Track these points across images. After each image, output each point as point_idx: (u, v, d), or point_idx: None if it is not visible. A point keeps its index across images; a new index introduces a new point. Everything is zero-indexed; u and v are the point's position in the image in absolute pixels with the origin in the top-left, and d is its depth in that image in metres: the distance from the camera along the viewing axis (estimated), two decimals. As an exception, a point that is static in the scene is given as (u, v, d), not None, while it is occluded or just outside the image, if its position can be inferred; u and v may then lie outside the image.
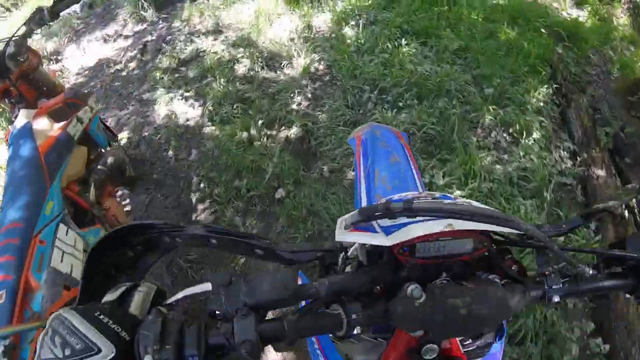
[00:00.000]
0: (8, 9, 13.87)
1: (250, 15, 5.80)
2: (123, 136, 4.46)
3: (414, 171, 1.52)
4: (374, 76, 4.34)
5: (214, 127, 4.23)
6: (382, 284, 0.76)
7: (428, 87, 4.10)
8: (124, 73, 5.70)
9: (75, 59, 7.17)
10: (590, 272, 0.72)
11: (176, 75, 5.08)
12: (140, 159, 4.12)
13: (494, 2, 6.04)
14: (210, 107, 4.42)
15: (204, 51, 5.41)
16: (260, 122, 4.10)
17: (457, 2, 5.64)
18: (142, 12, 7.34)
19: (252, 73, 4.82)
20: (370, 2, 5.68)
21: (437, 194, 0.84)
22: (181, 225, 0.76)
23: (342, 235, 0.78)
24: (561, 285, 0.74)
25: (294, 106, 4.33)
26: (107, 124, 4.47)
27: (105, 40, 7.30)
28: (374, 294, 0.76)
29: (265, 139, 3.99)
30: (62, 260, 1.94)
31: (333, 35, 5.29)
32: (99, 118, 3.04)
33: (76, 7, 9.27)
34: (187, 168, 3.97)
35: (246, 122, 4.07)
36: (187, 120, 4.45)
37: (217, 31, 5.91)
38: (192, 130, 4.32)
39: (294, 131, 4.02)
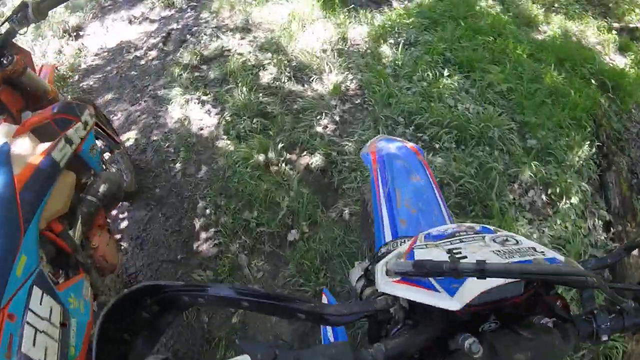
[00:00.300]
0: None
1: (283, 17, 5.24)
2: (130, 136, 3.94)
3: (436, 191, 1.38)
4: (411, 108, 3.79)
5: (228, 142, 3.70)
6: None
7: (469, 132, 3.57)
8: (142, 62, 5.16)
9: (96, 37, 6.62)
10: (633, 305, 0.70)
11: (196, 74, 4.53)
12: (145, 167, 3.60)
13: (540, 37, 5.49)
14: (228, 117, 3.88)
15: (229, 50, 4.87)
16: (280, 144, 3.58)
17: (502, 33, 5.09)
18: (171, -3, 6.81)
19: (277, 83, 4.28)
20: (411, 20, 5.13)
21: (477, 227, 0.81)
22: (204, 285, 0.68)
23: (388, 286, 0.71)
24: (609, 323, 0.70)
25: (319, 129, 3.80)
26: (115, 119, 4.01)
27: (130, 22, 6.74)
28: (423, 349, 0.68)
29: (283, 164, 3.47)
30: (34, 343, 1.42)
31: (369, 51, 4.75)
32: (98, 129, 2.54)
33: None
34: (194, 187, 3.44)
35: (265, 142, 3.54)
36: (201, 129, 3.92)
37: (245, 29, 5.36)
38: (204, 141, 3.78)
39: (316, 160, 3.49)
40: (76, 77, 5.25)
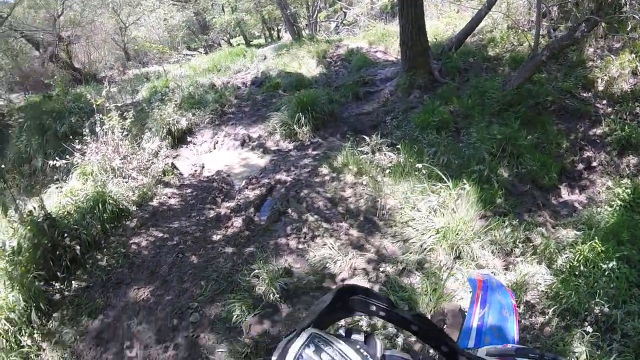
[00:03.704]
0: (206, 49, 12.87)
1: (427, 224, 2.99)
2: None
3: (516, 327, 1.40)
4: None
5: None
6: None
7: None
8: (216, 237, 3.20)
9: (197, 153, 4.96)
10: None
11: (265, 324, 2.36)
12: None
13: None
14: None
15: (333, 277, 2.69)
16: None
17: None
18: (295, 127, 4.99)
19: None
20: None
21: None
22: (390, 304, 0.74)
23: None
24: None
25: None
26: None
27: (242, 144, 4.99)
28: None
29: None
30: None
31: None
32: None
33: (247, 79, 7.24)
34: None
35: None
36: None
37: (370, 222, 3.20)
38: None
39: None
40: (134, 223, 3.44)
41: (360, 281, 2.63)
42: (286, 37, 11.48)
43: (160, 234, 3.27)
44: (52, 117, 6.00)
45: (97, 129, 4.27)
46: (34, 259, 2.86)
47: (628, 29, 4.89)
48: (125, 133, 4.39)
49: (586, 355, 2.16)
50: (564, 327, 2.35)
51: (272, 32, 13.54)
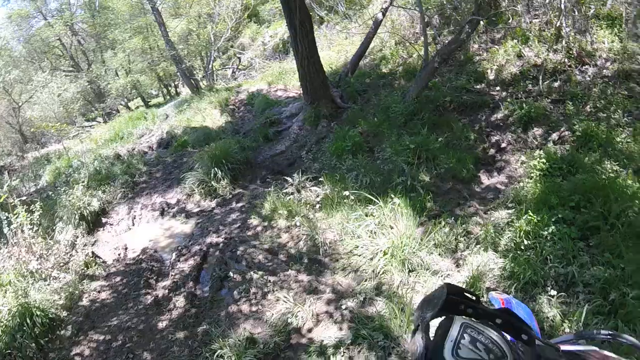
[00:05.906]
0: (104, 117, 12.10)
1: (372, 248, 3.00)
2: None
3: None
4: None
5: None
6: None
7: None
8: (162, 323, 2.91)
9: (116, 233, 4.55)
10: None
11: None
12: None
13: None
14: None
15: (300, 338, 2.56)
16: None
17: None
18: (213, 183, 4.82)
19: None
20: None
21: None
22: (479, 302, 0.77)
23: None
24: None
25: None
26: None
27: (162, 213, 4.68)
28: None
29: None
30: None
31: None
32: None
33: (152, 141, 6.88)
34: None
35: None
36: None
37: (316, 264, 3.14)
38: None
39: None
40: (69, 330, 3.00)
41: (327, 325, 2.55)
42: (185, 91, 11.24)
43: (102, 336, 2.89)
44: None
45: (5, 230, 3.74)
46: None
47: (507, 20, 5.49)
48: (35, 228, 3.89)
49: (560, 315, 2.27)
50: (530, 298, 2.45)
51: (170, 88, 13.18)
